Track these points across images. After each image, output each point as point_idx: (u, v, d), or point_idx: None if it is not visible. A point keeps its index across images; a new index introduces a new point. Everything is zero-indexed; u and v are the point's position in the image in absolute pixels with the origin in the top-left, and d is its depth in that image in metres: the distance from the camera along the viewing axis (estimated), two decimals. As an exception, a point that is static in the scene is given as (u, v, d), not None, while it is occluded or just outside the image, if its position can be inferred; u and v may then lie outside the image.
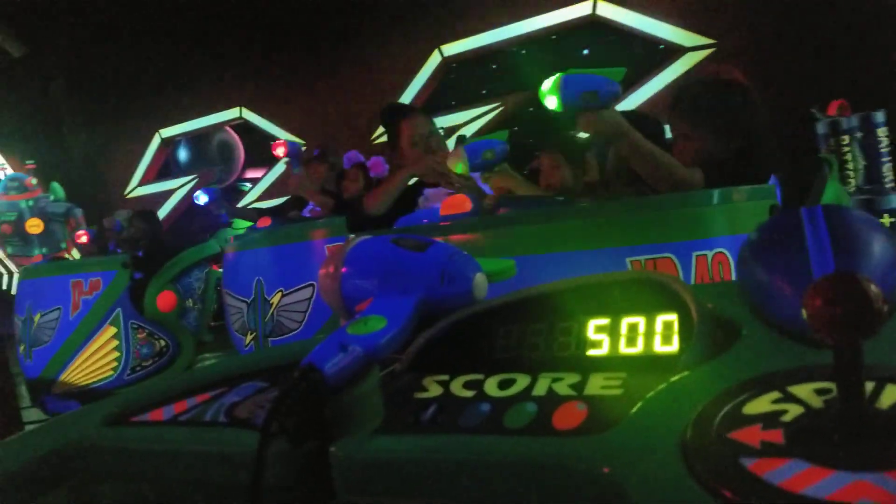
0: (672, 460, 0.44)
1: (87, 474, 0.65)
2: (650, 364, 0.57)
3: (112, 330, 3.39)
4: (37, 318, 3.43)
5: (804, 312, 0.42)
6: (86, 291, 3.39)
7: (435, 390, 0.59)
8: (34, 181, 7.16)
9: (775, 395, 0.48)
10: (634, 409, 0.50)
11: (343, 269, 0.68)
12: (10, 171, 7.56)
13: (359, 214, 2.53)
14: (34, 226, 6.98)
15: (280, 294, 2.28)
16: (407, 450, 0.52)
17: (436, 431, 0.53)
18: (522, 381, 0.58)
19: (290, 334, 2.26)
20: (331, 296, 0.68)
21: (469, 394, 0.58)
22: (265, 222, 2.75)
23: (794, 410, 0.46)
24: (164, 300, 3.41)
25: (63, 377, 3.41)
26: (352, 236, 0.79)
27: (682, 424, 0.47)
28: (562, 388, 0.56)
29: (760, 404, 0.47)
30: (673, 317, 0.59)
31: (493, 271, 0.72)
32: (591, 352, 0.60)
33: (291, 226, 2.62)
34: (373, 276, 0.67)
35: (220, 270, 3.13)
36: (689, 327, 0.57)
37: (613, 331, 0.60)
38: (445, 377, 0.61)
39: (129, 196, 7.32)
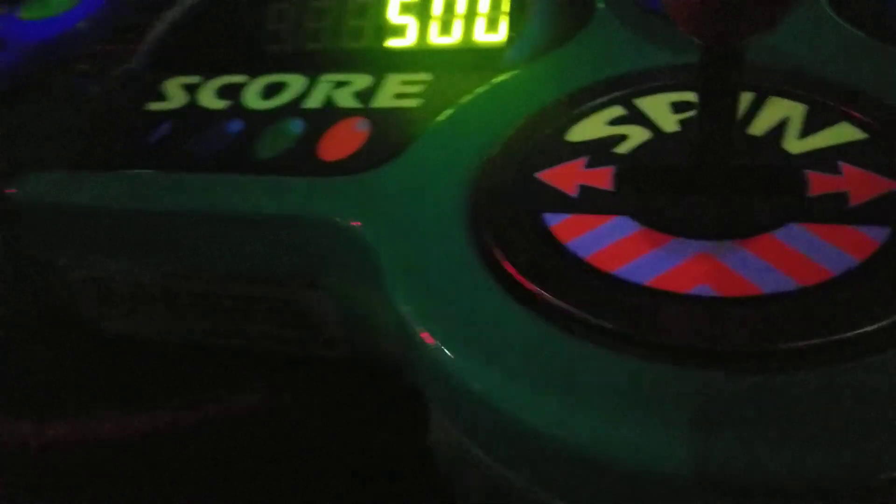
0: (449, 215, 0.30)
1: None
2: (468, 60, 0.40)
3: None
4: None
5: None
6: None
7: (177, 99, 0.42)
8: None
9: (617, 111, 0.33)
10: (424, 134, 0.35)
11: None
12: None
13: None
14: None
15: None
16: (98, 194, 0.36)
17: (154, 164, 0.38)
18: (296, 86, 0.41)
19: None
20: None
21: (221, 105, 0.41)
22: None
23: (637, 136, 0.32)
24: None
25: None
26: None
27: (481, 157, 0.33)
28: (344, 97, 0.40)
29: (592, 126, 0.33)
30: (504, -12, 0.41)
31: None
32: (392, 42, 0.43)
33: None
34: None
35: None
36: (524, 4, 0.40)
37: (423, 11, 0.42)
38: (196, 79, 0.44)
39: None
